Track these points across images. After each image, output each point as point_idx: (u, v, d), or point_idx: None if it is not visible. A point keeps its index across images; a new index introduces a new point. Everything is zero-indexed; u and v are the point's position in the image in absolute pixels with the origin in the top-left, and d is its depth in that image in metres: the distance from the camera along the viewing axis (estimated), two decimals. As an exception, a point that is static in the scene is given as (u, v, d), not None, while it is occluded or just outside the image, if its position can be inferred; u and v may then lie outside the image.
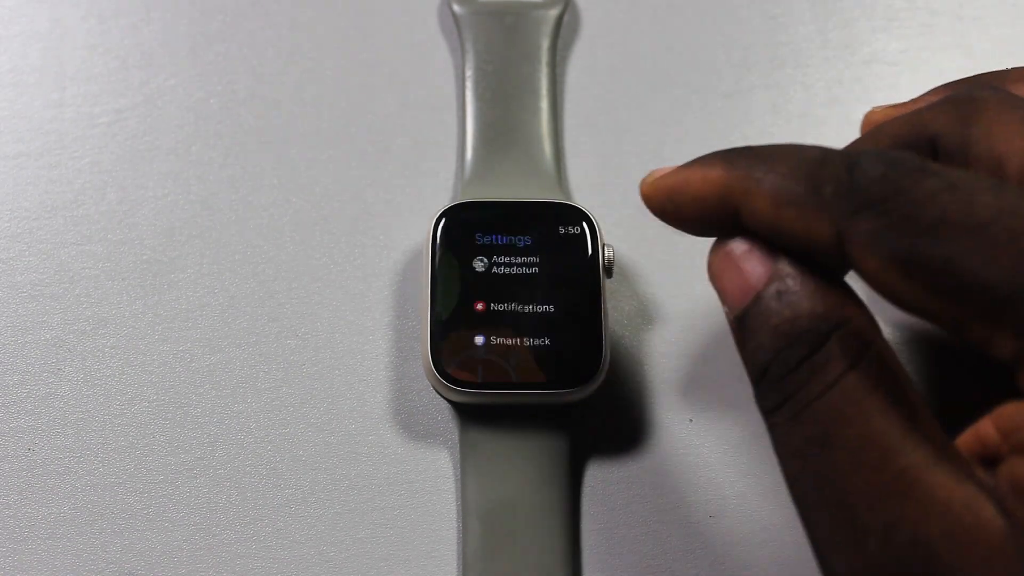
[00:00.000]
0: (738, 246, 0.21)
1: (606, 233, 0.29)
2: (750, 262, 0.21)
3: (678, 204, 0.22)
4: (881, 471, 0.18)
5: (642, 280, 0.30)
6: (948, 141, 0.22)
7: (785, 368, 0.19)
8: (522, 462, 0.27)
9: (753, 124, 0.32)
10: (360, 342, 0.29)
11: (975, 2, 0.34)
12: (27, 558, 0.27)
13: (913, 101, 0.25)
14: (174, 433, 0.28)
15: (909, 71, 0.33)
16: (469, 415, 0.27)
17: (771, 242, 0.21)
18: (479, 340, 0.26)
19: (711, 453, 0.28)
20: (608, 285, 0.29)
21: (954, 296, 0.18)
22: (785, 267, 0.20)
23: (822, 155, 0.20)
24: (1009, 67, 0.25)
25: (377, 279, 0.30)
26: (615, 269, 0.29)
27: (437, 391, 0.27)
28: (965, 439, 0.19)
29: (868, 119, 0.26)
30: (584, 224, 0.28)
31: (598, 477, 0.28)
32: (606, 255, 0.27)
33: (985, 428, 0.19)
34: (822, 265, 0.20)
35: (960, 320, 0.18)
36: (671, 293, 0.30)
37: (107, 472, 0.28)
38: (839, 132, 0.32)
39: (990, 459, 0.19)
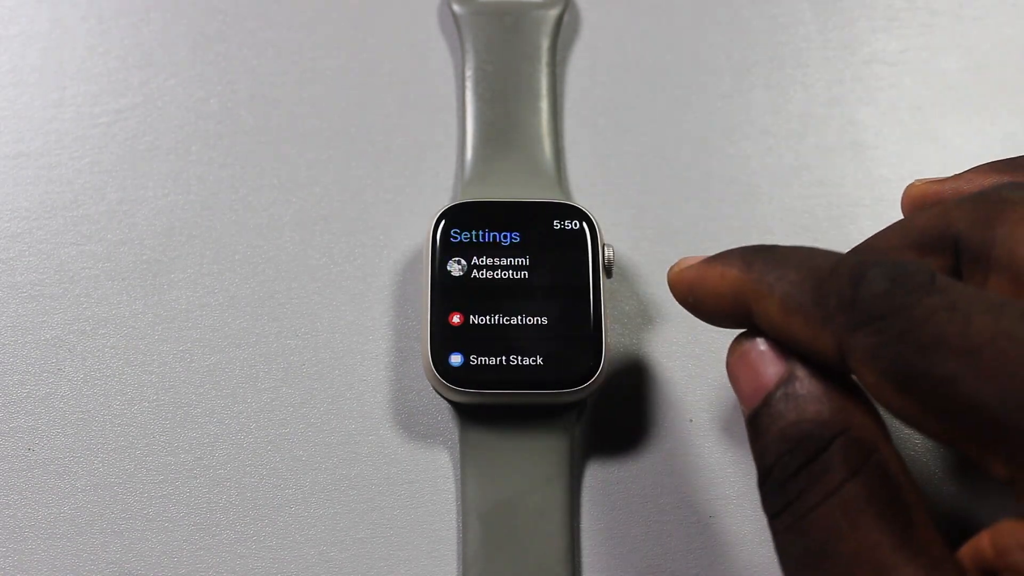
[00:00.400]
0: (754, 346, 0.21)
1: (606, 233, 0.29)
2: (764, 362, 0.21)
3: (698, 297, 0.23)
4: None
5: (642, 280, 0.30)
6: (970, 242, 0.21)
7: (786, 473, 0.20)
8: (522, 462, 0.27)
9: (753, 124, 0.32)
10: (360, 342, 0.29)
11: (975, 2, 0.34)
12: (27, 558, 0.27)
13: (955, 177, 0.25)
14: (174, 433, 0.28)
15: (909, 71, 0.33)
16: (469, 415, 0.27)
17: (783, 345, 0.21)
18: (479, 340, 0.26)
19: (711, 453, 0.28)
20: (608, 285, 0.29)
21: (947, 417, 0.18)
22: (797, 369, 0.20)
23: (832, 265, 0.20)
24: None
25: (377, 279, 0.30)
26: (615, 269, 0.29)
27: (437, 391, 0.27)
28: (968, 549, 0.19)
29: (908, 193, 0.26)
30: (584, 224, 0.28)
31: (598, 477, 0.28)
32: (606, 255, 0.27)
33: (983, 542, 0.19)
34: (833, 369, 0.20)
35: (955, 440, 0.18)
36: (671, 293, 0.30)
37: (107, 472, 0.28)
38: (839, 132, 0.32)
39: (989, 572, 0.19)
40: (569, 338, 0.27)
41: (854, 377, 0.20)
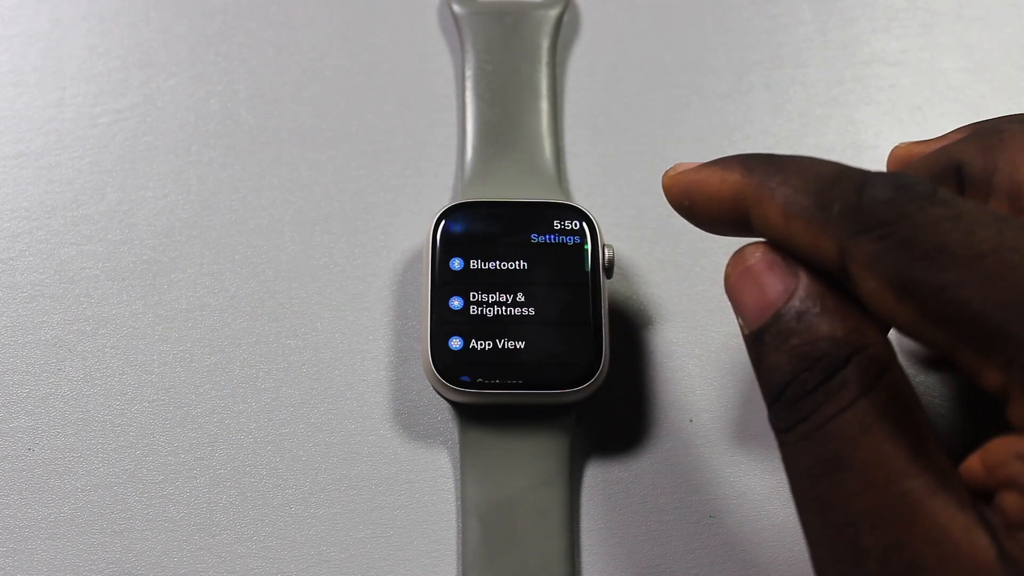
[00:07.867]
0: (759, 260, 0.21)
1: (606, 233, 0.29)
2: (770, 277, 0.21)
3: (694, 201, 0.22)
4: (885, 494, 0.18)
5: (642, 280, 0.30)
6: (973, 169, 0.22)
7: (802, 391, 0.20)
8: (522, 462, 0.27)
9: (753, 124, 0.32)
10: (360, 342, 0.29)
11: (975, 2, 0.34)
12: (27, 558, 0.27)
13: (939, 138, 0.25)
14: (174, 433, 0.28)
15: (909, 71, 0.33)
16: (469, 415, 0.27)
17: (781, 250, 0.21)
18: (479, 340, 0.26)
19: (711, 453, 0.28)
20: (608, 285, 0.29)
21: (945, 324, 0.18)
22: (806, 284, 0.20)
23: (836, 172, 0.20)
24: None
25: (377, 279, 0.30)
26: (615, 269, 0.29)
27: (437, 391, 0.27)
28: (962, 470, 0.20)
29: (894, 154, 0.26)
30: (584, 224, 0.28)
31: (598, 477, 0.28)
32: (606, 255, 0.27)
33: (973, 465, 0.19)
34: (833, 275, 0.20)
35: (951, 348, 0.18)
36: (671, 293, 0.30)
37: (107, 472, 0.28)
38: (839, 132, 0.32)
39: (981, 494, 0.19)
40: (569, 338, 0.27)
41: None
